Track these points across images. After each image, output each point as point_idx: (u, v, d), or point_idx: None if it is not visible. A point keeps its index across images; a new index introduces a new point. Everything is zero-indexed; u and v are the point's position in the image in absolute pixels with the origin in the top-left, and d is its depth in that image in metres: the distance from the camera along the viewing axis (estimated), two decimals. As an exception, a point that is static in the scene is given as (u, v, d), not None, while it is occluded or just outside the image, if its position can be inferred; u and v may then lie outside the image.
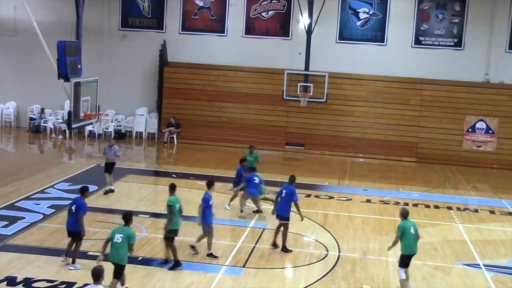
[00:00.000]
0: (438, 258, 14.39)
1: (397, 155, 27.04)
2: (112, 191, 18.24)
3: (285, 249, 14.10)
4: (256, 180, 16.60)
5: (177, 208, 12.86)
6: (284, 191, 14.18)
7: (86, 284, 11.62)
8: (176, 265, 12.77)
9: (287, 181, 14.53)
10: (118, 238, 11.09)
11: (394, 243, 12.29)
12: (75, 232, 12.66)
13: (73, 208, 12.72)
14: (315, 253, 14.28)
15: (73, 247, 12.76)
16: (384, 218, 17.52)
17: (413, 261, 14.05)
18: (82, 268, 12.26)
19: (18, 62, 29.22)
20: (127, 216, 11.40)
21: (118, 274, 11.12)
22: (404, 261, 12.14)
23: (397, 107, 27.14)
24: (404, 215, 12.30)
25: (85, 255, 13.18)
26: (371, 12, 27.46)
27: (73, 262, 12.60)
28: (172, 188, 13.28)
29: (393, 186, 21.98)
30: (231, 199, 17.28)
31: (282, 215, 14.11)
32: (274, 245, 14.24)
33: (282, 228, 14.14)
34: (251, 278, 12.53)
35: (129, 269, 12.60)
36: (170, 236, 12.82)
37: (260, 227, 15.96)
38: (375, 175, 23.83)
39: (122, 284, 11.40)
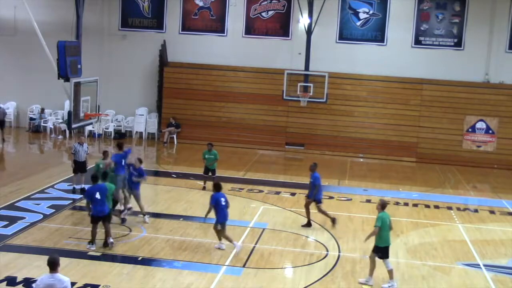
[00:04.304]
0: (438, 258, 14.39)
1: (397, 155, 27.03)
2: (84, 190, 17.84)
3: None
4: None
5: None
6: (223, 199, 13.96)
7: (87, 285, 11.66)
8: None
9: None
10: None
11: (373, 233, 12.39)
12: (106, 215, 13.63)
13: (97, 195, 13.43)
14: (315, 253, 14.28)
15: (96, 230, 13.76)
16: (384, 218, 17.48)
17: (413, 261, 14.11)
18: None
19: (18, 62, 29.21)
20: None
21: None
22: (386, 253, 12.44)
23: (397, 107, 27.14)
24: (383, 206, 12.57)
25: (84, 255, 13.20)
26: (371, 12, 27.46)
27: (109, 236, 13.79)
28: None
29: (393, 186, 21.98)
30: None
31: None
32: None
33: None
34: (251, 278, 12.54)
35: (129, 269, 12.64)
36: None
37: (260, 227, 15.96)
38: (375, 175, 23.83)
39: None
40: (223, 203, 13.85)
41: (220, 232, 13.94)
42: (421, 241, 15.66)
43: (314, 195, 15.99)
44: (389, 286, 12.39)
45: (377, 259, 12.51)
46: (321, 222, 16.61)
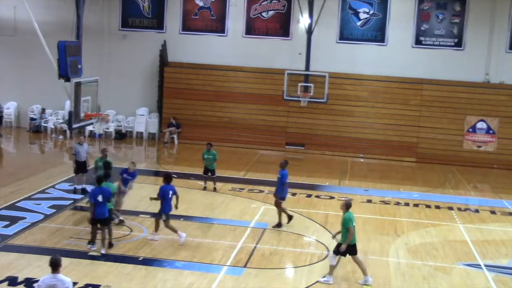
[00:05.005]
0: (439, 258, 14.39)
1: (397, 155, 27.03)
2: (85, 190, 17.84)
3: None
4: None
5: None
6: (170, 191, 14.42)
7: (88, 285, 11.67)
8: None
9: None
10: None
11: (351, 235, 12.22)
12: (106, 219, 13.56)
13: (100, 198, 13.34)
14: (316, 253, 14.28)
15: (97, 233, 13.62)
16: (384, 218, 17.52)
17: (414, 261, 14.10)
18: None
19: (18, 62, 29.20)
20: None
21: None
22: (347, 250, 12.36)
23: (397, 107, 27.13)
24: (348, 206, 12.60)
25: (85, 255, 13.20)
26: (371, 12, 27.45)
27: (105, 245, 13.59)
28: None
29: (394, 186, 21.97)
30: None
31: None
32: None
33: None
34: (252, 278, 12.53)
35: (129, 269, 12.64)
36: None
37: (260, 227, 15.96)
38: (376, 175, 23.82)
39: None
40: (170, 196, 14.22)
41: (165, 222, 14.28)
42: (422, 241, 15.66)
43: (281, 193, 15.92)
44: (324, 281, 12.42)
45: (331, 253, 12.77)
46: (322, 222, 16.62)
